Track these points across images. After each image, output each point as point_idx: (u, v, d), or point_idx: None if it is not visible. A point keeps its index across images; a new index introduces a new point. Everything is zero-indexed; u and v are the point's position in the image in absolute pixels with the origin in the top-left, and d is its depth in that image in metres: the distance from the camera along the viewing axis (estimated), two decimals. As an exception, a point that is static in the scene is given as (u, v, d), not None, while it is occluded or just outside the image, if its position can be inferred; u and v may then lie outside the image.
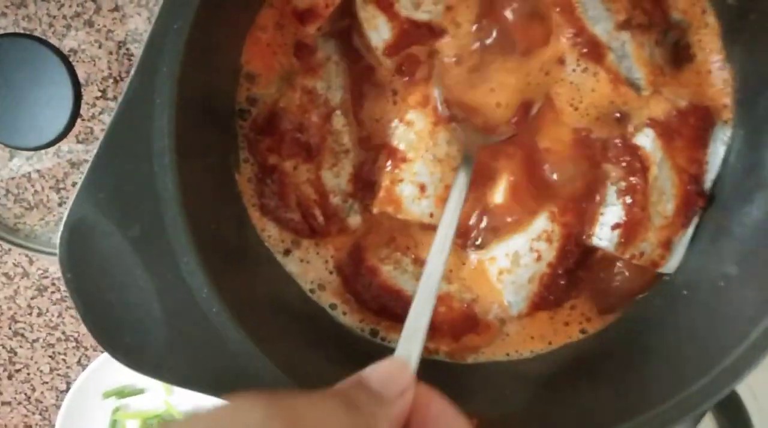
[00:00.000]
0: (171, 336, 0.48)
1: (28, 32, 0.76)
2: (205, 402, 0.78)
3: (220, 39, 0.52)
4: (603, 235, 0.59)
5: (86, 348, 0.85)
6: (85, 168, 0.44)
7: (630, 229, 0.58)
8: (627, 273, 0.61)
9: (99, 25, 0.76)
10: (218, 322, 0.48)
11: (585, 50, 0.56)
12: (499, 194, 0.59)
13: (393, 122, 0.58)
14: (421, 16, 0.57)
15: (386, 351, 0.62)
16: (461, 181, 0.54)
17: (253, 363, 0.49)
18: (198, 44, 0.46)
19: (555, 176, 0.58)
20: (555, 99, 0.57)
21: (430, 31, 0.57)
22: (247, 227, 0.58)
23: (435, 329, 0.61)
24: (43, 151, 0.77)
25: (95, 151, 0.46)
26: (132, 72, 0.45)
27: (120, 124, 0.46)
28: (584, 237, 0.59)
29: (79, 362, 0.86)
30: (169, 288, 0.48)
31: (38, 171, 0.80)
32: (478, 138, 0.56)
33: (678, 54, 0.58)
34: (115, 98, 0.76)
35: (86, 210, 0.46)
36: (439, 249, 0.50)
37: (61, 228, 0.46)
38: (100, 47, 0.77)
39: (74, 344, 0.85)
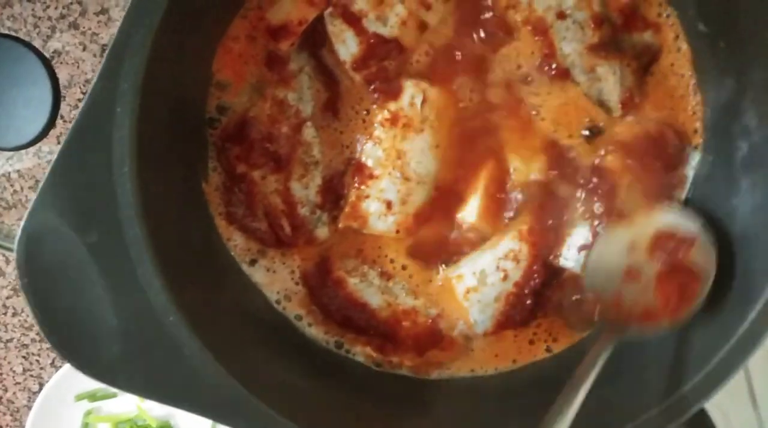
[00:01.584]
0: (127, 345, 0.48)
1: (12, 32, 0.77)
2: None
3: (188, 48, 0.52)
4: (570, 256, 0.59)
5: (60, 350, 0.85)
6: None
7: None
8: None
9: (84, 27, 0.76)
10: (175, 332, 0.48)
11: (553, 72, 0.56)
12: (469, 213, 0.59)
13: (361, 138, 0.59)
14: (388, 31, 0.57)
15: (350, 363, 0.62)
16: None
17: (211, 374, 0.49)
18: (164, 53, 0.46)
19: (522, 197, 0.58)
20: (521, 110, 0.58)
21: (399, 47, 0.57)
22: (213, 235, 0.58)
23: (399, 343, 0.61)
24: (23, 152, 0.77)
25: (55, 158, 0.46)
26: (94, 79, 0.45)
27: (81, 130, 0.46)
28: (552, 257, 0.59)
29: (52, 363, 0.85)
30: (127, 295, 0.48)
31: (18, 171, 0.80)
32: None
33: (648, 77, 0.58)
34: (96, 101, 0.76)
35: (45, 215, 0.46)
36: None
37: (19, 232, 0.46)
38: (84, 50, 0.77)
39: (48, 345, 0.85)
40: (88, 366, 0.48)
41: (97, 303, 0.47)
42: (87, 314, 0.47)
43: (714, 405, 0.64)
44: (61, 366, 0.81)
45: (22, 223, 0.46)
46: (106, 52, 0.45)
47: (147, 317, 0.48)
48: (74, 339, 0.48)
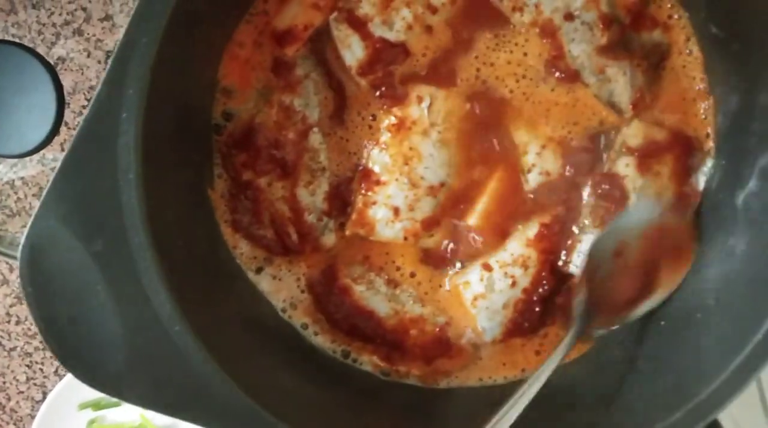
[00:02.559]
0: (131, 355, 0.47)
1: (17, 39, 0.77)
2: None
3: (194, 54, 0.51)
4: (579, 263, 0.58)
5: (63, 358, 0.85)
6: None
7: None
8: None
9: (88, 34, 0.76)
10: (180, 341, 0.47)
11: (563, 74, 0.56)
12: (478, 218, 0.58)
13: (368, 144, 0.58)
14: (394, 36, 0.57)
15: (358, 372, 0.61)
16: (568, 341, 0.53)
17: (217, 384, 0.49)
18: (169, 59, 0.46)
19: (533, 202, 0.58)
20: (533, 112, 0.57)
21: (405, 52, 0.57)
22: (219, 243, 0.58)
23: (407, 352, 0.60)
24: (27, 159, 0.77)
25: (59, 165, 0.45)
26: (99, 85, 0.45)
27: (86, 136, 0.45)
28: (561, 264, 0.59)
29: (56, 372, 0.85)
30: (132, 305, 0.47)
31: (21, 178, 0.80)
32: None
33: (659, 77, 0.57)
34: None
35: (49, 223, 0.46)
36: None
37: (22, 240, 0.45)
38: (88, 56, 0.77)
39: (51, 354, 0.85)
40: (91, 377, 0.47)
41: (102, 312, 0.47)
42: (91, 324, 0.47)
43: (727, 415, 0.63)
44: (64, 375, 0.81)
45: (25, 231, 0.46)
46: (111, 57, 0.45)
47: (152, 326, 0.47)
48: (78, 349, 0.47)
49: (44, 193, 0.45)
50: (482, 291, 0.58)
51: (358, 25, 0.56)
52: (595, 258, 0.55)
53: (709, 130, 0.58)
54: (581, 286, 0.55)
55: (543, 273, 0.58)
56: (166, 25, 0.44)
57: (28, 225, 0.45)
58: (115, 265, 0.47)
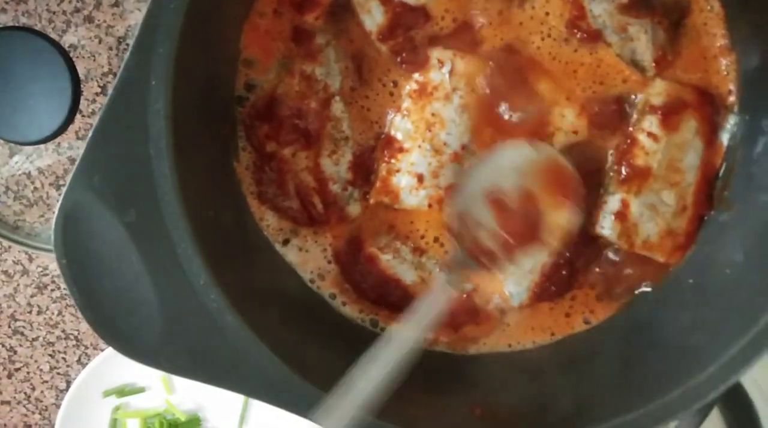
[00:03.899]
0: (167, 324, 0.47)
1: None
2: (207, 400, 0.78)
3: (217, 22, 0.51)
4: (606, 224, 0.58)
5: (86, 347, 0.85)
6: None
7: (629, 220, 0.57)
8: (631, 262, 0.60)
9: (99, 20, 0.76)
10: (216, 310, 0.47)
11: (585, 35, 0.56)
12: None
13: (390, 112, 0.58)
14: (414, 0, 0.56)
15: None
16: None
17: (252, 352, 0.49)
18: (194, 26, 0.46)
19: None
20: (557, 69, 0.57)
21: (425, 15, 0.57)
22: (246, 215, 0.58)
23: (435, 320, 0.60)
24: (42, 148, 0.77)
25: (89, 135, 0.45)
26: (128, 53, 0.45)
27: (115, 106, 0.45)
28: (588, 225, 0.59)
29: (79, 360, 0.85)
30: (166, 275, 0.47)
31: (38, 168, 0.80)
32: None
33: (681, 35, 0.57)
34: (114, 94, 0.76)
35: (81, 195, 0.46)
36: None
37: (56, 212, 0.45)
38: (99, 43, 0.77)
39: (74, 342, 0.85)
40: (130, 347, 0.47)
41: (136, 283, 0.47)
42: (126, 294, 0.47)
43: (749, 379, 0.64)
44: (87, 363, 0.81)
45: (58, 203, 0.46)
46: (139, 27, 0.45)
47: (187, 296, 0.47)
48: (114, 321, 0.47)
49: (76, 163, 0.45)
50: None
51: (378, -11, 0.56)
52: (462, 202, 0.54)
53: (731, 86, 0.58)
54: (452, 234, 0.54)
55: (570, 236, 0.58)
56: (191, -4, 0.44)
57: (61, 197, 0.45)
58: (148, 235, 0.47)
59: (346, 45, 0.58)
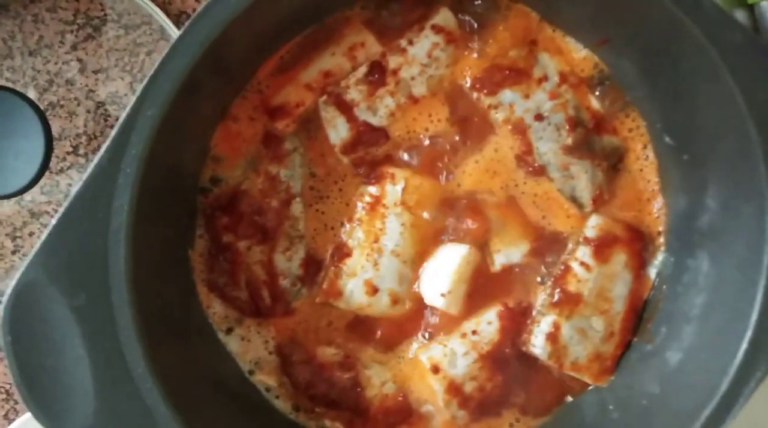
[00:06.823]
0: (100, 408, 0.48)
1: (10, 83, 0.78)
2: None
3: (191, 125, 0.55)
4: (538, 343, 0.61)
5: (16, 402, 0.83)
6: (45, 219, 0.45)
7: (560, 342, 0.60)
8: (558, 379, 0.62)
9: (81, 83, 0.78)
10: (149, 399, 0.48)
11: (530, 168, 0.60)
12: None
13: (344, 219, 0.61)
14: (377, 121, 0.61)
15: (319, 437, 0.62)
16: None
17: (181, 443, 0.50)
18: (168, 130, 0.49)
19: (500, 280, 0.61)
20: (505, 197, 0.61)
21: (386, 135, 0.61)
22: (193, 301, 0.59)
23: (369, 419, 0.61)
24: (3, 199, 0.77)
25: (53, 222, 0.47)
26: (101, 150, 0.47)
27: (83, 196, 0.48)
28: (520, 343, 0.62)
29: (6, 416, 0.83)
30: (106, 359, 0.48)
31: (-5, 218, 0.80)
32: None
33: (619, 177, 0.62)
34: (86, 155, 0.77)
35: (36, 275, 0.47)
36: None
37: (8, 291, 0.47)
38: (78, 105, 0.78)
39: (4, 396, 0.83)
40: (57, 425, 0.48)
41: (77, 364, 0.48)
42: (65, 375, 0.48)
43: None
44: (15, 419, 0.79)
45: (12, 283, 0.47)
46: (116, 127, 0.47)
47: (124, 382, 0.49)
48: (48, 399, 0.48)
49: (38, 231, 0.46)
50: (444, 366, 0.61)
51: (345, 108, 0.60)
52: None
53: (661, 228, 0.63)
54: None
55: (506, 350, 0.61)
56: (172, 99, 0.47)
57: (16, 277, 0.47)
58: (94, 320, 0.48)
59: (311, 152, 0.61)
